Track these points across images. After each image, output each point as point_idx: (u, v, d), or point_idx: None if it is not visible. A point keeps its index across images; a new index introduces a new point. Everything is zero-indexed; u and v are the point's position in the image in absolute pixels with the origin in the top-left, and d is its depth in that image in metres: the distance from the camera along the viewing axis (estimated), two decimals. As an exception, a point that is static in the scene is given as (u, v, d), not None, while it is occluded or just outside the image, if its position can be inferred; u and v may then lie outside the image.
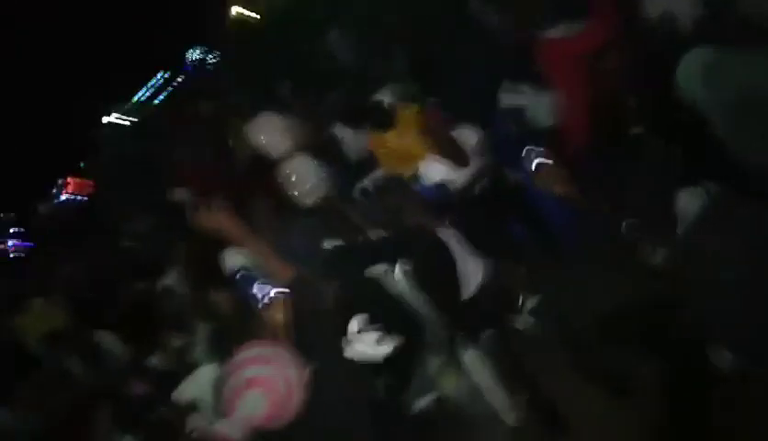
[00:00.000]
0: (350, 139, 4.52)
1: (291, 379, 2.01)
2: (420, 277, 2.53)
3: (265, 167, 3.88)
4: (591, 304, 2.57)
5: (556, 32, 3.04)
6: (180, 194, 5.96)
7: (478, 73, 3.71)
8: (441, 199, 3.27)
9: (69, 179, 21.29)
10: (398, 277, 2.59)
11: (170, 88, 20.89)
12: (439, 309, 2.56)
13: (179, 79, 19.62)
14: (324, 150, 4.33)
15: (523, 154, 2.68)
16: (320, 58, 6.31)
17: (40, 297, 5.81)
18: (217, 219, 2.48)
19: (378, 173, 4.43)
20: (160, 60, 20.86)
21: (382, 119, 4.09)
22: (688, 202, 2.14)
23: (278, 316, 2.37)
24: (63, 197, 21.24)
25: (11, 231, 21.65)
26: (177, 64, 19.95)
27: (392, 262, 2.66)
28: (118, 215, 6.81)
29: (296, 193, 3.71)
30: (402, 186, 3.27)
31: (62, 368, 5.10)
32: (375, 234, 3.14)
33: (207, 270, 3.62)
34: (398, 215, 2.88)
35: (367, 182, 4.57)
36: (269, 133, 3.93)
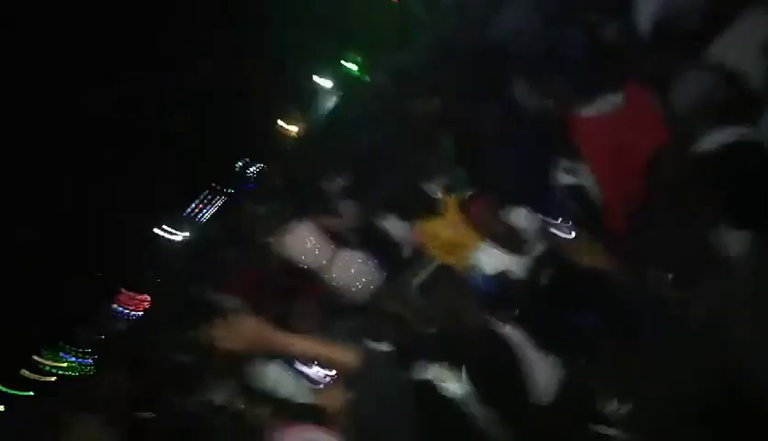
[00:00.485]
0: (399, 230, 4.32)
1: None
2: (481, 382, 2.17)
3: (305, 273, 3.70)
4: (684, 401, 2.16)
5: (590, 110, 2.93)
6: (230, 301, 5.87)
7: (526, 155, 3.51)
8: (500, 292, 2.95)
9: (122, 294, 21.82)
10: (455, 382, 2.24)
11: (218, 201, 21.66)
12: (505, 419, 2.17)
13: (227, 191, 20.36)
14: (372, 243, 4.17)
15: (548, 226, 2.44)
16: (365, 150, 6.32)
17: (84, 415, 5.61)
18: (247, 330, 2.07)
19: (431, 265, 4.20)
20: (208, 174, 21.77)
21: (430, 209, 3.90)
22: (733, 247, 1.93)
23: (335, 401, 2.04)
24: (118, 311, 21.70)
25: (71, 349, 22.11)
26: (226, 178, 20.73)
27: (449, 365, 2.32)
28: (168, 332, 6.70)
29: (343, 293, 3.47)
30: (456, 279, 2.97)
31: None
32: (429, 334, 2.83)
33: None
34: (453, 311, 2.56)
35: (422, 276, 4.33)
36: (303, 244, 3.75)
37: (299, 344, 2.12)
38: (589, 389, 2.31)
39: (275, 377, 3.35)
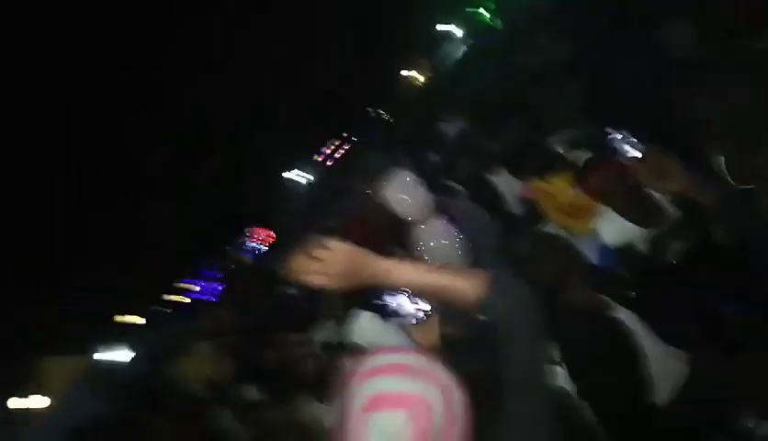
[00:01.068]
0: (510, 187, 3.93)
1: (451, 404, 1.26)
2: (581, 371, 1.81)
3: (399, 227, 3.43)
4: None
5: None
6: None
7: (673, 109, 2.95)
8: (619, 268, 2.51)
9: (255, 229, 22.97)
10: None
11: (344, 147, 21.85)
12: (606, 418, 1.79)
13: (354, 138, 20.41)
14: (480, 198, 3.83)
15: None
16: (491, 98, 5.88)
17: (207, 342, 5.91)
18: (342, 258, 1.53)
19: (543, 228, 3.78)
20: (339, 121, 21.94)
21: (550, 166, 3.45)
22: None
23: (431, 336, 1.77)
24: (250, 246, 22.93)
25: (203, 275, 23.90)
26: (354, 125, 20.74)
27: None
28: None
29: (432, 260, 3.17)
30: (567, 248, 2.55)
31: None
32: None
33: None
34: (558, 283, 2.18)
35: (525, 239, 3.93)
36: (401, 192, 3.46)
37: (408, 270, 1.54)
38: (719, 395, 1.86)
39: (366, 327, 3.15)
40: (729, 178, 1.31)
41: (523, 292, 1.48)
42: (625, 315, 1.94)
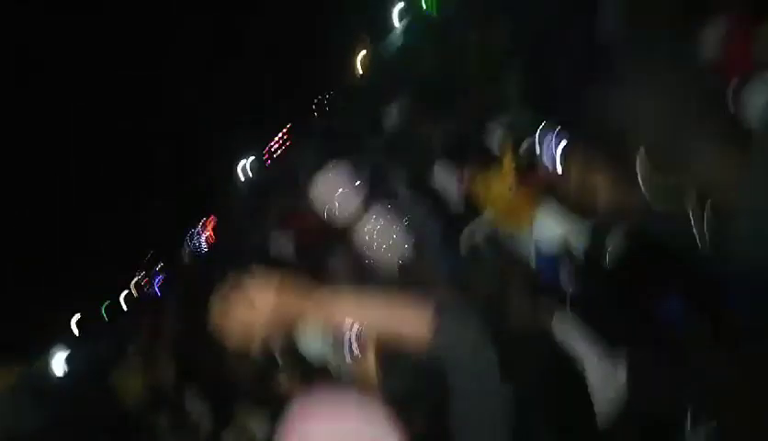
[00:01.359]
0: (447, 181, 3.79)
1: None
2: (525, 389, 1.67)
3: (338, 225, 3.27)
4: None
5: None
6: (284, 242, 5.61)
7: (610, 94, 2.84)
8: (554, 266, 2.39)
9: (203, 224, 22.38)
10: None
11: (288, 139, 21.47)
12: (544, 428, 1.67)
13: (303, 125, 20.02)
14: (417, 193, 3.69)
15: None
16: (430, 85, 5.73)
17: (143, 351, 5.64)
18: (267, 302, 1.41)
19: (480, 224, 3.67)
20: (282, 112, 21.58)
21: (488, 157, 3.32)
22: None
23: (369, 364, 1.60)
24: (196, 242, 22.31)
25: (157, 270, 23.19)
26: (297, 116, 20.38)
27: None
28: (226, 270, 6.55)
29: (373, 255, 3.02)
30: (505, 245, 2.43)
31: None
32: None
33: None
34: (494, 287, 2.05)
35: (476, 232, 3.83)
36: (334, 191, 3.31)
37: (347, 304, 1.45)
38: (663, 403, 1.76)
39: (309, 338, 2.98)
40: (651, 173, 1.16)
41: (469, 320, 1.36)
42: (558, 319, 1.82)
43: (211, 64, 20.79)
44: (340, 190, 3.29)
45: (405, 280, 3.04)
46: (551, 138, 1.21)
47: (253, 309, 1.42)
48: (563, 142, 1.63)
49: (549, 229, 2.49)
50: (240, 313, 1.43)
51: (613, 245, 2.19)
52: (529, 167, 2.62)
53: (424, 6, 11.51)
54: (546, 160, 1.36)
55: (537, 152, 1.46)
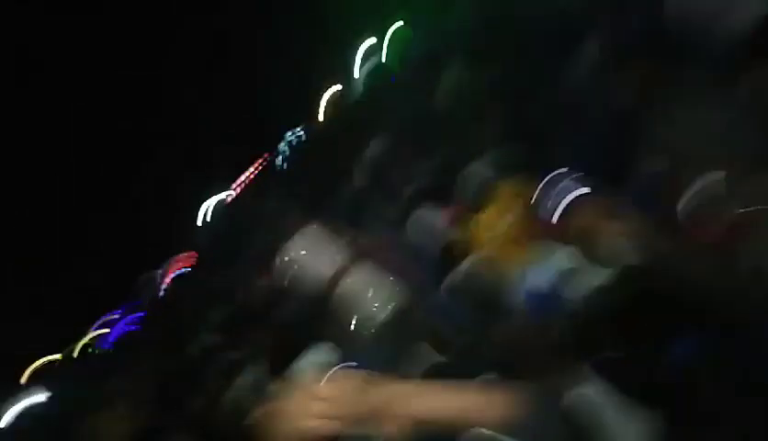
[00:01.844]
0: (436, 221, 3.74)
1: None
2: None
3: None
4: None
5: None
6: (262, 283, 5.49)
7: (597, 133, 2.84)
8: (560, 302, 2.33)
9: (176, 258, 21.82)
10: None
11: (262, 170, 21.30)
12: None
13: (277, 160, 19.84)
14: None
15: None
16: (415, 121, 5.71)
17: (119, 397, 5.42)
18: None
19: (469, 263, 3.62)
20: (263, 140, 21.46)
21: (477, 197, 3.28)
22: None
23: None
24: (172, 274, 21.79)
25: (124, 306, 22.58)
26: (272, 148, 20.22)
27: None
28: (203, 302, 6.39)
29: (356, 318, 2.92)
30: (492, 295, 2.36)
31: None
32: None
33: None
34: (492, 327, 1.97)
35: (457, 276, 3.77)
36: (312, 250, 3.19)
37: (430, 397, 1.19)
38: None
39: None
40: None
41: (555, 408, 1.25)
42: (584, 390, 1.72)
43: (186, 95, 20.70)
44: (314, 255, 3.19)
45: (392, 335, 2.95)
46: (562, 183, 1.12)
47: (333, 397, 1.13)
48: (575, 189, 1.53)
49: (545, 273, 2.43)
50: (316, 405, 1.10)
51: (618, 290, 2.15)
52: (528, 211, 2.58)
53: (406, 37, 11.58)
54: (552, 205, 1.25)
55: (544, 196, 1.35)
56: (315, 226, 3.28)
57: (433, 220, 3.77)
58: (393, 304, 2.97)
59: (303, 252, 3.17)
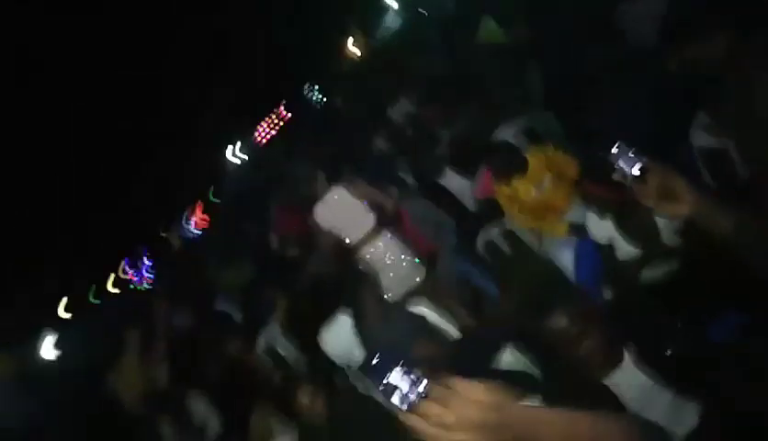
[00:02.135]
0: (465, 188, 3.67)
1: None
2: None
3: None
4: None
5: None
6: (276, 242, 5.47)
7: (640, 101, 2.74)
8: (601, 273, 2.29)
9: (192, 210, 21.89)
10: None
11: (279, 125, 21.11)
12: None
13: (293, 115, 19.62)
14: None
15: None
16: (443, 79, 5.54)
17: (137, 352, 5.44)
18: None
19: (502, 226, 3.56)
20: (278, 95, 21.24)
21: (509, 162, 3.20)
22: None
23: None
24: (191, 228, 21.93)
25: (144, 260, 22.75)
26: (294, 100, 19.92)
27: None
28: (221, 260, 6.37)
29: (383, 284, 2.90)
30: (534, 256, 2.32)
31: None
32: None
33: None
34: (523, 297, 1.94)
35: (491, 235, 3.71)
36: (339, 214, 3.17)
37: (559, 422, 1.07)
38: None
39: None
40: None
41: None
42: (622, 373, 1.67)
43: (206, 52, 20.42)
44: (339, 217, 3.17)
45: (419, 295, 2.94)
46: (617, 159, 1.05)
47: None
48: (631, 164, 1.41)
49: (598, 229, 2.37)
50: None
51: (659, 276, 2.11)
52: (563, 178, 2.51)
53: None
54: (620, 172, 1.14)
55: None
56: (342, 189, 3.26)
57: (463, 183, 3.72)
58: (418, 274, 2.99)
59: (331, 216, 3.18)
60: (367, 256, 3.08)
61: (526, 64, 3.80)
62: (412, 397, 0.97)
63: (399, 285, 3.07)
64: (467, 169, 3.77)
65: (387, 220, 3.49)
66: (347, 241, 3.16)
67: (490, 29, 4.51)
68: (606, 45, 3.08)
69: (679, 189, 1.10)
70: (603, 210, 2.29)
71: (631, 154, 1.16)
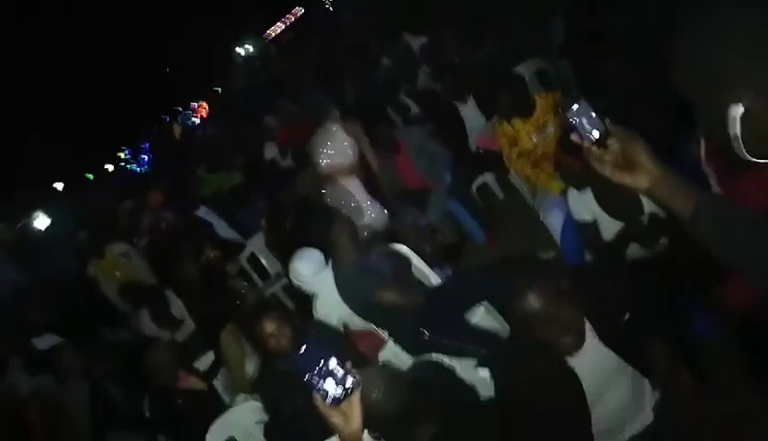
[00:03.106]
0: (475, 121, 3.54)
1: None
2: (509, 392, 1.52)
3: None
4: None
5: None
6: (272, 151, 5.37)
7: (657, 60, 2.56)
8: (582, 249, 2.23)
9: (203, 104, 21.41)
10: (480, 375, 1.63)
11: (292, 25, 20.28)
12: None
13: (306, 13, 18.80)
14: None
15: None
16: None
17: (122, 242, 5.41)
18: None
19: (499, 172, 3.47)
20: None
21: (517, 99, 3.05)
22: None
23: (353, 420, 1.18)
24: (192, 116, 21.57)
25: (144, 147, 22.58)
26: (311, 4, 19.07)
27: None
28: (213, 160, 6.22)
29: (354, 219, 2.88)
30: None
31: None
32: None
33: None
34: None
35: (486, 178, 3.63)
36: (327, 147, 3.13)
37: None
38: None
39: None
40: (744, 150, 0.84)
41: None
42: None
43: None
44: (329, 150, 3.13)
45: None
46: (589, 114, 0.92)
47: None
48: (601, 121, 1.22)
49: (580, 207, 2.28)
50: None
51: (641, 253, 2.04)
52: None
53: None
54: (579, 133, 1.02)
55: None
56: (338, 125, 3.23)
57: (475, 118, 3.61)
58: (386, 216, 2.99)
59: (322, 144, 3.13)
60: (332, 194, 3.08)
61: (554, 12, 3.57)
62: (339, 392, 0.99)
63: (369, 223, 3.07)
64: (477, 100, 3.65)
65: (381, 149, 3.44)
66: (321, 171, 3.15)
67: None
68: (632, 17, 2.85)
69: (640, 159, 0.94)
70: (580, 183, 2.16)
71: (593, 114, 0.99)
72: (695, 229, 0.92)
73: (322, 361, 0.99)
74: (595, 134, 0.95)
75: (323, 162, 3.14)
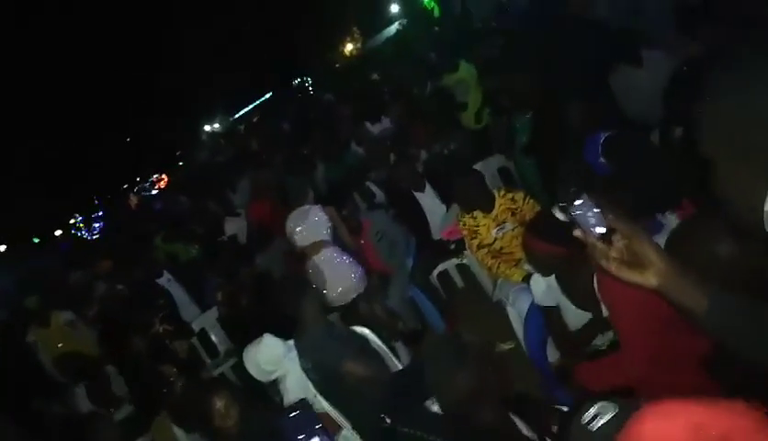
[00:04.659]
0: (435, 209, 3.65)
1: None
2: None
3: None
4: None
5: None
6: (232, 227, 5.34)
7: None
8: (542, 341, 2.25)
9: (163, 176, 21.32)
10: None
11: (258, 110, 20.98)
12: None
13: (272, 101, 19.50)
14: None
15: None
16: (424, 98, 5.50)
17: (68, 311, 5.16)
18: None
19: (460, 259, 3.54)
20: (268, 82, 21.13)
21: (477, 195, 3.14)
22: None
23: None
24: (150, 188, 21.43)
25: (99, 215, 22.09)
26: (283, 88, 19.64)
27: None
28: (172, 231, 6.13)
29: (325, 291, 2.90)
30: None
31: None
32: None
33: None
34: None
35: (447, 265, 3.68)
36: (304, 224, 3.27)
37: None
38: None
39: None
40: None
41: None
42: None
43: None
44: (300, 227, 3.21)
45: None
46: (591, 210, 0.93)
47: None
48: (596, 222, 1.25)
49: (543, 294, 2.30)
50: None
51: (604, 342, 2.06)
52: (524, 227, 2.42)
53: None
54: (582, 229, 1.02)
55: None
56: (317, 207, 3.33)
57: (434, 204, 3.70)
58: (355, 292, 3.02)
59: (296, 223, 3.20)
60: (312, 265, 3.09)
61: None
62: None
63: (339, 298, 3.06)
64: (440, 190, 3.75)
65: (350, 229, 3.51)
66: (297, 246, 3.18)
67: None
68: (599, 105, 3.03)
69: (649, 255, 0.90)
70: (546, 269, 2.20)
71: (596, 210, 0.99)
72: (710, 326, 0.88)
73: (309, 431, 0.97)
74: (600, 230, 0.94)
75: (298, 237, 3.19)
